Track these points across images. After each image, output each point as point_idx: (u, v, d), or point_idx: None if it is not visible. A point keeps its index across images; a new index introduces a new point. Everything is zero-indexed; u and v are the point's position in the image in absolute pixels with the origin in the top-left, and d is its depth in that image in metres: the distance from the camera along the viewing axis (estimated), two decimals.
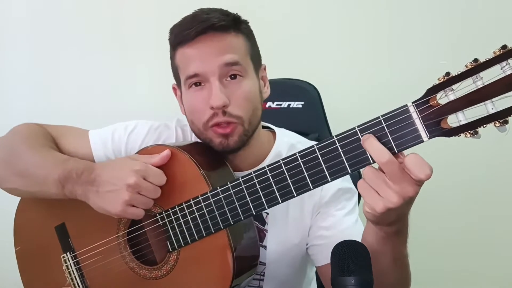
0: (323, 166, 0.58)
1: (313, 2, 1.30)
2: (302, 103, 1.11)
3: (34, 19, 1.45)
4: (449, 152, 1.17)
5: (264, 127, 0.88)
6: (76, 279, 0.87)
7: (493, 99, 0.49)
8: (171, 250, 0.77)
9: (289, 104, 1.13)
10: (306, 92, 1.12)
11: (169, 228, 0.76)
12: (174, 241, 0.76)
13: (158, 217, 0.77)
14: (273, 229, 0.83)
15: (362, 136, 0.56)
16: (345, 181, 0.83)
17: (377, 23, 1.29)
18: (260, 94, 0.81)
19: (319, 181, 0.59)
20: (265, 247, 0.83)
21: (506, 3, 1.17)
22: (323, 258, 0.80)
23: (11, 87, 1.47)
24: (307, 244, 0.85)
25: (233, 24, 0.77)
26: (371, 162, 0.56)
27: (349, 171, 0.57)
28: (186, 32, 0.75)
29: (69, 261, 0.88)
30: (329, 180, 0.59)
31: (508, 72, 0.49)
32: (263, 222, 0.83)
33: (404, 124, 0.53)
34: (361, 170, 0.57)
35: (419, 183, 0.54)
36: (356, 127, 0.56)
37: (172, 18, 1.39)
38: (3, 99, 1.48)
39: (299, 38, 1.28)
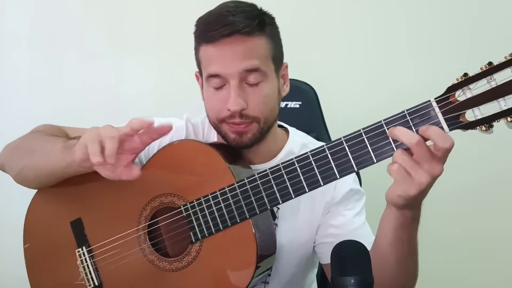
0: (350, 156, 0.60)
1: (312, 2, 1.27)
2: (300, 103, 1.09)
3: (34, 21, 1.40)
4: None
5: (278, 125, 0.88)
6: (90, 274, 0.83)
7: (505, 97, 0.53)
8: (194, 241, 0.75)
9: (287, 104, 1.11)
10: (303, 92, 1.11)
11: (193, 219, 0.74)
12: (198, 231, 0.74)
13: (182, 208, 0.75)
14: (283, 223, 0.83)
15: (388, 128, 0.58)
16: (355, 183, 0.84)
17: (373, 24, 1.27)
18: (278, 94, 0.81)
19: (346, 170, 0.61)
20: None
21: None
22: None
23: (11, 88, 1.41)
24: (314, 242, 0.84)
25: (258, 27, 0.75)
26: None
27: (375, 161, 0.59)
28: (210, 34, 0.74)
29: (83, 256, 0.84)
30: (355, 169, 0.60)
31: None
32: (274, 217, 0.83)
33: (427, 118, 0.56)
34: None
35: (443, 159, 0.56)
36: (382, 121, 0.58)
37: (172, 19, 1.32)
38: (4, 101, 1.42)
39: (296, 38, 1.24)
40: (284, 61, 0.85)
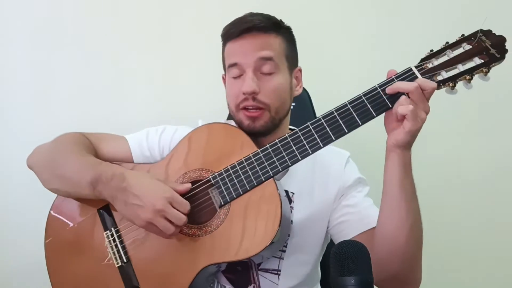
0: (354, 114, 0.77)
1: (307, 3, 1.30)
2: (293, 104, 1.06)
3: (34, 21, 1.37)
4: (449, 155, 1.27)
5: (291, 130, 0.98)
6: (118, 252, 0.88)
7: (461, 63, 0.74)
8: (223, 204, 0.83)
9: None
10: None
11: (221, 184, 0.84)
12: (226, 194, 0.83)
13: (210, 177, 0.85)
14: (299, 206, 0.90)
15: (381, 90, 0.76)
16: (360, 174, 0.95)
17: (368, 24, 1.31)
18: (290, 90, 0.90)
19: (352, 125, 0.77)
20: (291, 221, 0.90)
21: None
22: (353, 230, 0.86)
23: (11, 91, 1.38)
24: (328, 227, 0.91)
25: (273, 27, 0.87)
26: (390, 106, 0.75)
27: (375, 115, 0.76)
28: (232, 31, 0.88)
29: (111, 237, 0.89)
30: (360, 124, 0.76)
31: (467, 48, 0.75)
32: (290, 201, 0.91)
33: (409, 79, 0.75)
34: (398, 110, 0.73)
35: (429, 99, 0.73)
36: (376, 85, 0.77)
37: (172, 20, 1.35)
38: (4, 103, 1.38)
39: None
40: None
